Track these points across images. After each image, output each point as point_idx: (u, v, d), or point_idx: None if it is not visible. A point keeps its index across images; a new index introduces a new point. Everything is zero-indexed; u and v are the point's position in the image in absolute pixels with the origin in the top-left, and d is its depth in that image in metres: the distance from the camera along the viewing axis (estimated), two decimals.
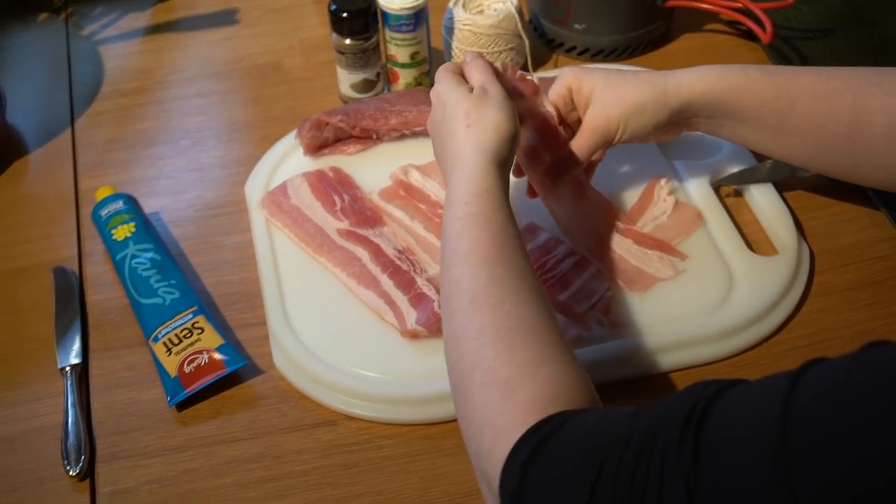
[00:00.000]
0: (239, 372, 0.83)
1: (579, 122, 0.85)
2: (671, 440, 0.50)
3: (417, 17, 1.00)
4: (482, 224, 0.70)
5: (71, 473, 0.77)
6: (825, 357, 0.50)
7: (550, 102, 0.85)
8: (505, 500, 0.56)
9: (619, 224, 0.90)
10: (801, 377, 0.48)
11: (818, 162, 0.83)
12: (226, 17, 1.20)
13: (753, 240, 0.91)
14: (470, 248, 0.69)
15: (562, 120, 0.86)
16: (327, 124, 0.97)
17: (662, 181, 0.93)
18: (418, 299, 0.84)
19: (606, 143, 0.84)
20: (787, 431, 0.46)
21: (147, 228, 0.91)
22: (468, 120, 0.75)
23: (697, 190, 0.93)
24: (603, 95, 0.82)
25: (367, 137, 0.99)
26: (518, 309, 0.65)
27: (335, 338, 0.84)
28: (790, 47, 1.10)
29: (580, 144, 0.84)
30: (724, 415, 0.49)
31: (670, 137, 0.86)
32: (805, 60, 1.08)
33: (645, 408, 0.55)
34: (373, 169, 0.97)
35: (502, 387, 0.60)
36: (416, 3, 0.99)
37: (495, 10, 1.06)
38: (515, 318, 0.64)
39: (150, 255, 0.89)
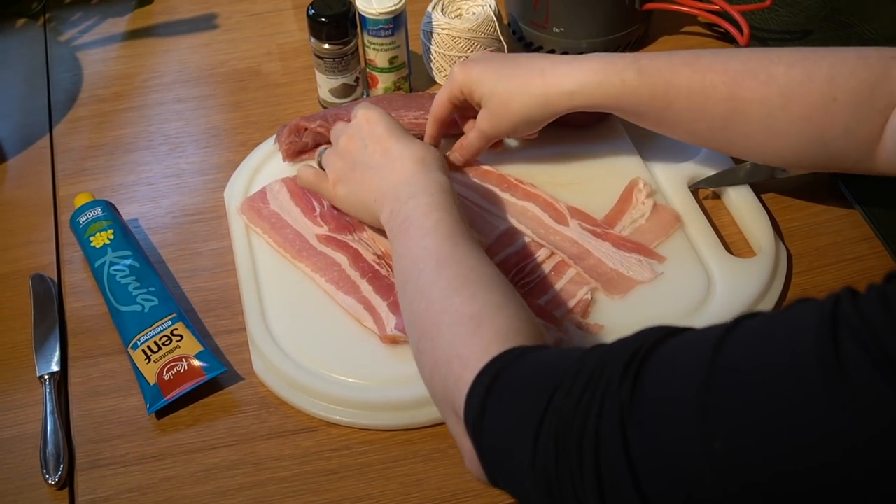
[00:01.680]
0: (218, 379, 0.83)
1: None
2: (614, 376, 0.54)
3: (396, 22, 1.00)
4: (447, 208, 0.76)
5: (50, 482, 0.77)
6: (759, 311, 0.54)
7: (447, 100, 0.90)
8: (468, 424, 0.61)
9: (597, 228, 0.90)
10: (733, 329, 0.52)
11: (705, 145, 0.88)
12: (205, 23, 1.20)
13: (731, 242, 0.91)
14: (436, 224, 0.74)
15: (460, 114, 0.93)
16: (306, 129, 0.97)
17: (640, 184, 0.93)
18: (398, 305, 0.84)
19: (496, 141, 0.93)
20: (712, 377, 0.50)
21: (125, 235, 0.91)
22: (420, 143, 0.83)
23: (675, 192, 0.93)
24: (490, 104, 0.87)
25: None
26: (479, 267, 0.71)
27: (315, 344, 0.84)
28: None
29: (473, 139, 0.91)
30: (663, 358, 0.54)
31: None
32: None
33: (597, 346, 0.59)
34: None
35: (468, 323, 0.66)
36: (394, 8, 0.99)
37: (474, 13, 1.06)
38: (478, 273, 0.70)
39: (128, 262, 0.88)
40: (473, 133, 0.91)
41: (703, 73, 0.81)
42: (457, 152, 0.94)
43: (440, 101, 0.91)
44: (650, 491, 0.51)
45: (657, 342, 0.55)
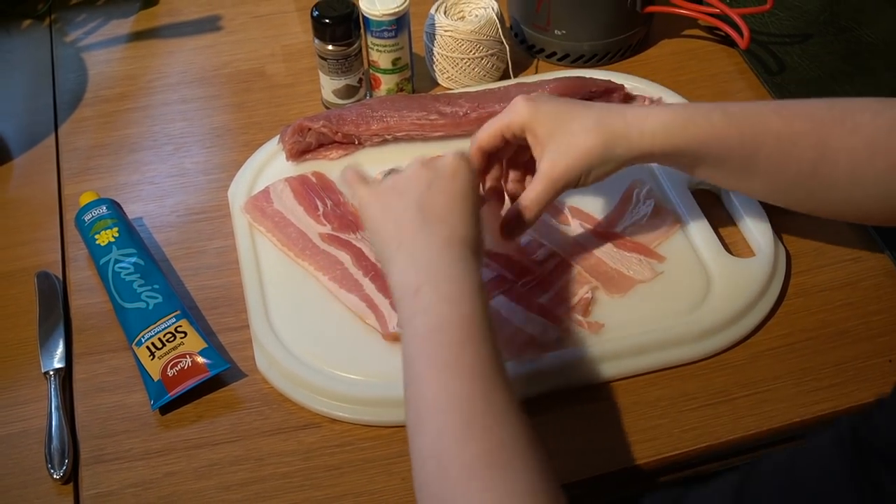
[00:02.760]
0: (222, 375, 0.83)
1: (526, 162, 0.84)
2: None
3: (399, 24, 1.01)
4: (485, 333, 0.66)
5: (55, 477, 0.78)
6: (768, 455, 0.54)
7: (499, 133, 0.81)
8: None
9: (598, 227, 0.91)
10: (749, 474, 0.52)
11: (781, 199, 0.83)
12: (209, 24, 1.21)
13: (730, 242, 0.92)
14: (474, 360, 0.65)
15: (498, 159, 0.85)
16: (310, 130, 0.98)
17: (640, 185, 0.94)
18: None
19: (566, 191, 0.80)
20: None
21: (130, 233, 0.92)
22: (478, 217, 0.74)
23: (676, 192, 0.94)
24: (561, 141, 0.78)
25: (350, 143, 1.00)
26: (510, 439, 0.62)
27: (317, 341, 0.84)
28: (767, 52, 1.11)
29: (538, 194, 0.79)
30: None
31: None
32: (782, 65, 1.09)
33: None
34: None
35: None
36: (397, 10, 1.00)
37: (476, 16, 1.07)
38: (507, 449, 0.61)
39: (133, 259, 0.89)
40: (542, 185, 0.79)
41: (791, 120, 0.77)
42: (526, 212, 0.80)
43: (492, 133, 0.81)
44: None
45: None
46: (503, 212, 0.84)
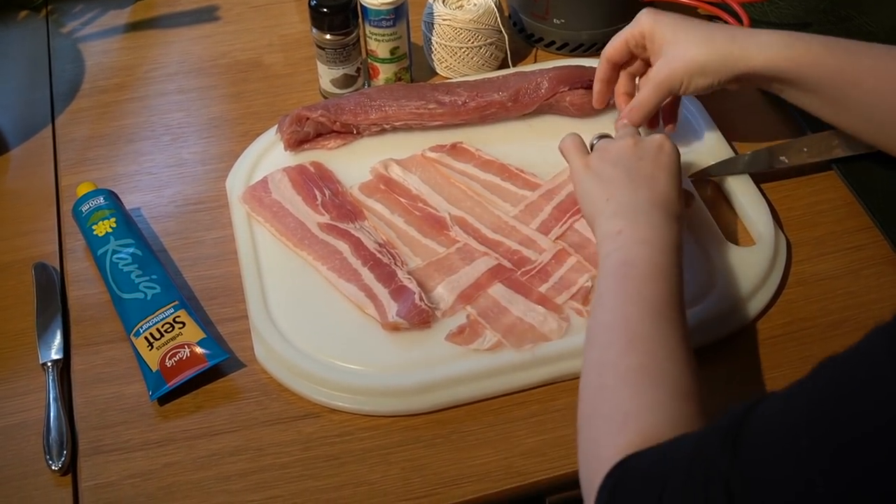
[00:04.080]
0: (220, 366, 0.83)
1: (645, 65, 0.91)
2: (714, 453, 0.54)
3: (397, 13, 1.00)
4: (669, 277, 0.72)
5: (53, 468, 0.77)
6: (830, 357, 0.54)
7: (624, 42, 0.89)
8: None
9: None
10: (814, 376, 0.53)
11: (877, 136, 0.86)
12: (206, 14, 1.21)
13: (731, 230, 0.92)
14: (653, 294, 0.71)
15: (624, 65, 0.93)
16: (307, 119, 0.97)
17: None
18: (399, 292, 0.85)
19: (669, 96, 0.89)
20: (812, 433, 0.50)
21: (128, 224, 0.91)
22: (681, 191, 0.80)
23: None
24: (670, 50, 0.86)
25: (348, 132, 0.99)
26: (666, 359, 0.68)
27: (316, 331, 0.84)
28: None
29: (643, 96, 0.88)
30: (757, 432, 0.54)
31: (732, 89, 0.89)
32: None
33: (697, 431, 0.59)
34: (353, 163, 0.98)
35: (619, 419, 0.65)
36: None
37: (475, 5, 1.07)
38: (662, 366, 0.67)
39: (131, 250, 0.89)
40: (647, 88, 0.88)
41: (888, 58, 0.82)
42: (631, 113, 0.90)
43: (617, 44, 0.90)
44: None
45: (746, 414, 0.55)
46: None
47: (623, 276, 0.72)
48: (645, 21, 0.88)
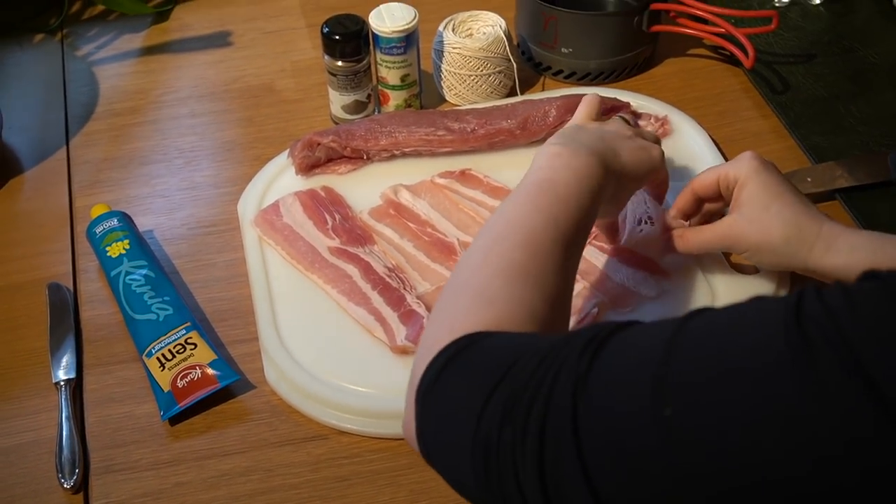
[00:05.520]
0: (231, 387, 0.84)
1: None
2: (572, 352, 0.54)
3: (408, 40, 1.02)
4: (580, 195, 0.72)
5: (65, 486, 0.78)
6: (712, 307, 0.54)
7: (715, 181, 0.84)
8: (419, 388, 0.61)
9: (605, 243, 0.92)
10: (694, 315, 0.53)
11: None
12: (219, 39, 1.22)
13: (734, 259, 0.92)
14: (548, 204, 0.71)
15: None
16: (319, 144, 0.99)
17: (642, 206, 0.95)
18: (408, 316, 0.86)
19: (725, 250, 0.87)
20: (670, 353, 0.50)
21: (141, 246, 0.93)
22: (633, 142, 0.81)
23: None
24: (755, 213, 0.81)
25: (358, 158, 1.01)
26: (547, 263, 0.67)
27: (326, 353, 0.85)
28: (772, 72, 1.13)
29: (705, 240, 0.85)
30: (624, 338, 0.54)
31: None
32: (787, 85, 1.11)
33: (558, 335, 0.59)
34: (363, 188, 0.99)
35: (484, 302, 0.64)
36: (406, 27, 1.01)
37: (484, 33, 1.08)
38: (539, 267, 0.66)
39: (144, 271, 0.90)
40: (711, 233, 0.84)
41: None
42: (683, 242, 0.86)
43: (709, 179, 0.85)
44: (593, 463, 0.50)
45: (619, 327, 0.55)
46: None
47: (540, 189, 0.72)
48: (746, 169, 0.82)
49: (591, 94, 0.91)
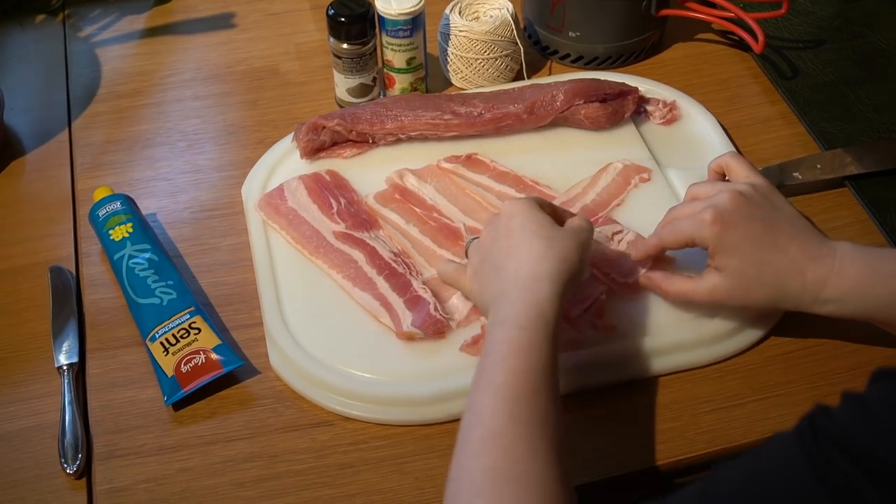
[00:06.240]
0: (235, 372, 0.83)
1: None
2: None
3: (414, 23, 1.01)
4: (529, 354, 0.68)
5: (68, 471, 0.78)
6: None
7: (684, 242, 0.80)
8: None
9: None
10: (715, 471, 0.55)
11: None
12: (223, 21, 1.21)
13: None
14: (506, 378, 0.67)
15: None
16: (324, 128, 0.98)
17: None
18: (414, 302, 0.85)
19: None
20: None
21: (144, 229, 0.92)
22: (551, 242, 0.75)
23: None
24: (734, 280, 0.78)
25: (364, 141, 1.00)
26: (526, 461, 0.63)
27: (331, 339, 0.84)
28: (781, 57, 1.12)
29: (687, 293, 0.81)
30: None
31: None
32: (796, 70, 1.10)
33: None
34: (369, 172, 0.98)
35: None
36: (413, 9, 1.00)
37: (491, 17, 1.07)
38: (520, 469, 0.62)
39: (147, 255, 0.89)
40: (688, 288, 0.81)
41: None
42: (662, 289, 0.83)
43: (673, 238, 0.81)
44: None
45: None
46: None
47: (481, 367, 0.69)
48: (710, 238, 0.77)
49: (442, 268, 0.84)
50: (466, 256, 0.83)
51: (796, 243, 0.77)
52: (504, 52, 1.06)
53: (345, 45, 1.01)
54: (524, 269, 0.74)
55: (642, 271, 0.86)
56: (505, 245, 0.76)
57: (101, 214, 0.93)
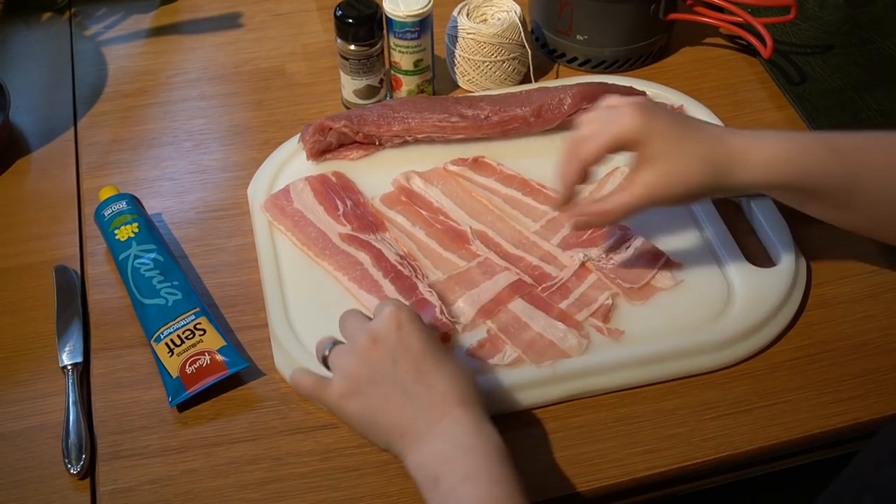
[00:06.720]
0: (240, 374, 0.83)
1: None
2: None
3: (422, 25, 1.01)
4: (493, 487, 0.66)
5: (72, 472, 0.78)
6: None
7: (606, 147, 0.77)
8: None
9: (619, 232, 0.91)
10: None
11: (881, 232, 0.83)
12: (229, 21, 1.21)
13: (751, 252, 0.91)
14: None
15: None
16: (331, 129, 0.98)
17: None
18: (420, 305, 0.85)
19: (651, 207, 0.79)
20: None
21: (150, 229, 0.92)
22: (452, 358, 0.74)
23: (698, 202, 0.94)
24: (667, 164, 0.76)
25: (370, 143, 1.00)
26: None
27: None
28: (788, 62, 1.11)
29: (628, 204, 0.78)
30: None
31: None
32: (804, 75, 1.09)
33: None
34: (375, 174, 0.98)
35: None
36: (421, 11, 0.99)
37: (499, 19, 1.07)
38: None
39: (152, 255, 0.89)
40: (626, 198, 0.78)
41: (890, 153, 0.76)
42: (604, 216, 0.79)
43: (598, 147, 0.77)
44: None
45: None
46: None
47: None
48: (635, 123, 0.76)
49: (295, 377, 0.78)
50: (326, 367, 0.76)
51: (710, 125, 0.79)
52: (511, 55, 1.06)
53: (352, 47, 1.01)
54: (452, 403, 0.71)
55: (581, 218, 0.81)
56: (412, 368, 0.72)
57: (106, 214, 0.92)
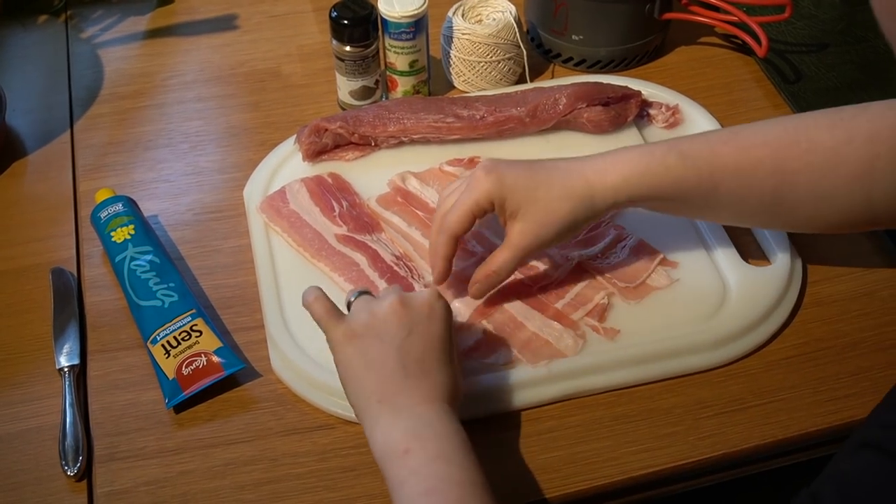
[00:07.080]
0: (236, 375, 0.83)
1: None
2: None
3: (417, 26, 1.01)
4: (465, 483, 0.67)
5: (69, 473, 0.78)
6: None
7: (470, 214, 0.79)
8: None
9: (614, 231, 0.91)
10: None
11: (748, 223, 0.87)
12: (225, 23, 1.21)
13: (747, 251, 0.92)
14: None
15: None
16: (326, 130, 0.98)
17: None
18: None
19: (532, 256, 0.85)
20: None
21: (146, 231, 0.92)
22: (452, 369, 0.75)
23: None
24: (531, 212, 0.79)
25: (366, 144, 1.00)
26: None
27: None
28: (784, 61, 1.11)
29: (507, 261, 0.81)
30: None
31: None
32: (799, 74, 1.09)
33: None
34: (371, 175, 0.98)
35: None
36: (416, 12, 1.00)
37: (494, 20, 1.07)
38: None
39: (149, 257, 0.89)
40: (507, 253, 0.80)
41: (747, 151, 0.78)
42: (489, 279, 0.83)
43: (463, 216, 0.80)
44: None
45: None
46: None
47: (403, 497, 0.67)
48: (488, 186, 0.78)
49: (310, 297, 0.77)
50: (347, 309, 0.77)
51: (564, 162, 0.81)
52: (507, 56, 1.06)
53: (347, 48, 1.01)
54: (439, 392, 0.72)
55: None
56: (421, 348, 0.73)
57: (102, 216, 0.92)
